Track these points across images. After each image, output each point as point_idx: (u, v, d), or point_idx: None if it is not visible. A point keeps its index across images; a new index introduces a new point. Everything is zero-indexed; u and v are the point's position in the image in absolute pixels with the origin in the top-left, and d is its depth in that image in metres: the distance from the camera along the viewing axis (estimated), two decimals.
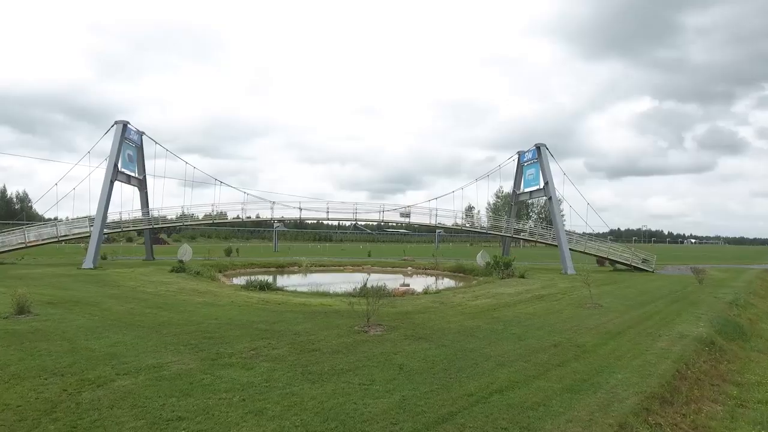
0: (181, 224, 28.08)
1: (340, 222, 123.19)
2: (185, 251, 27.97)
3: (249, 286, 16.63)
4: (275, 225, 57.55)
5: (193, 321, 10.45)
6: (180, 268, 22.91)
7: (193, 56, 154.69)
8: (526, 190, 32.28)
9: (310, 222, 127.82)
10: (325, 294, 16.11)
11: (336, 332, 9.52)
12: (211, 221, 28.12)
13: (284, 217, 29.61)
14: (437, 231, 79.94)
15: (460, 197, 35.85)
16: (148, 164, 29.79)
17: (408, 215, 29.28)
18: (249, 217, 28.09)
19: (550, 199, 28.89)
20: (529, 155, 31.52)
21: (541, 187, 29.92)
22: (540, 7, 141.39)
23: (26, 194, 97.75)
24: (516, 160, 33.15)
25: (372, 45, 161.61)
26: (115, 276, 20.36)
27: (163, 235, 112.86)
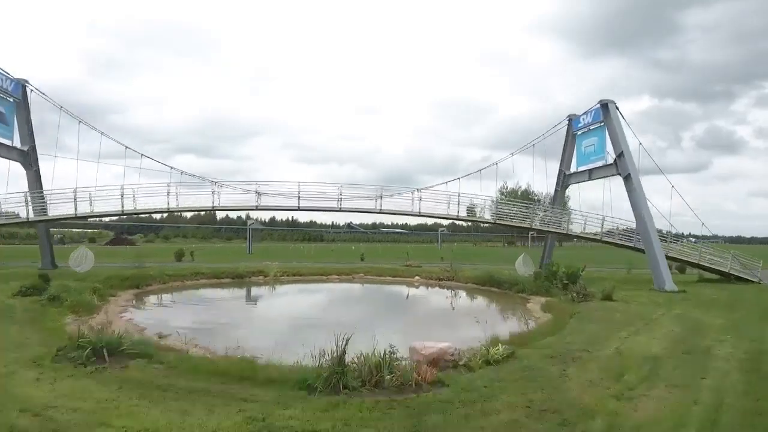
0: (73, 215, 18.57)
1: (334, 222, 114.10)
2: (81, 257, 18.45)
3: (73, 355, 7.02)
4: (249, 222, 47.89)
5: None
6: (35, 288, 13.37)
7: (190, 55, 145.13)
8: (581, 168, 22.93)
9: (303, 221, 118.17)
10: (246, 377, 6.47)
11: None
12: (121, 212, 18.57)
13: (235, 205, 20.17)
14: (440, 229, 70.48)
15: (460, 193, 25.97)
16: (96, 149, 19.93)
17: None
18: (172, 208, 18.48)
19: (628, 178, 19.51)
20: (587, 119, 22.16)
21: (610, 162, 20.60)
22: (540, 6, 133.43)
23: None
24: (565, 128, 23.85)
25: (371, 44, 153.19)
26: None
27: (138, 235, 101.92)
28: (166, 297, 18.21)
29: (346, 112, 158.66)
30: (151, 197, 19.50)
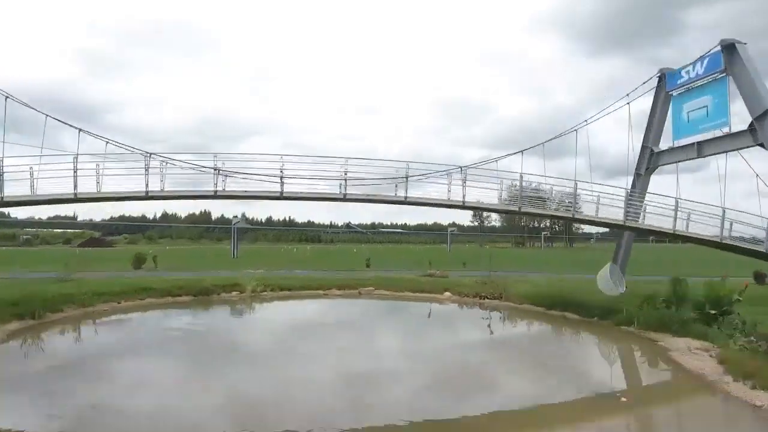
0: None
1: (333, 222, 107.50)
2: None
3: None
4: (234, 221, 41.17)
5: None
6: None
7: (190, 55, 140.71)
8: (684, 141, 16.21)
9: (301, 221, 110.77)
10: None
11: None
12: (27, 199, 11.77)
13: (184, 191, 13.48)
14: (450, 229, 63.88)
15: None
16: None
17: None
18: (83, 195, 11.67)
19: None
20: (695, 70, 15.47)
21: (739, 129, 14.03)
22: (540, 6, 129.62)
23: None
24: (654, 88, 17.23)
25: (371, 44, 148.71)
26: None
27: (123, 236, 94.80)
28: (63, 337, 11.59)
29: (346, 112, 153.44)
30: (62, 180, 12.78)
